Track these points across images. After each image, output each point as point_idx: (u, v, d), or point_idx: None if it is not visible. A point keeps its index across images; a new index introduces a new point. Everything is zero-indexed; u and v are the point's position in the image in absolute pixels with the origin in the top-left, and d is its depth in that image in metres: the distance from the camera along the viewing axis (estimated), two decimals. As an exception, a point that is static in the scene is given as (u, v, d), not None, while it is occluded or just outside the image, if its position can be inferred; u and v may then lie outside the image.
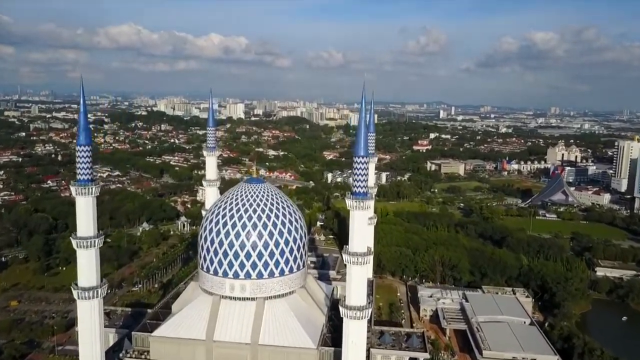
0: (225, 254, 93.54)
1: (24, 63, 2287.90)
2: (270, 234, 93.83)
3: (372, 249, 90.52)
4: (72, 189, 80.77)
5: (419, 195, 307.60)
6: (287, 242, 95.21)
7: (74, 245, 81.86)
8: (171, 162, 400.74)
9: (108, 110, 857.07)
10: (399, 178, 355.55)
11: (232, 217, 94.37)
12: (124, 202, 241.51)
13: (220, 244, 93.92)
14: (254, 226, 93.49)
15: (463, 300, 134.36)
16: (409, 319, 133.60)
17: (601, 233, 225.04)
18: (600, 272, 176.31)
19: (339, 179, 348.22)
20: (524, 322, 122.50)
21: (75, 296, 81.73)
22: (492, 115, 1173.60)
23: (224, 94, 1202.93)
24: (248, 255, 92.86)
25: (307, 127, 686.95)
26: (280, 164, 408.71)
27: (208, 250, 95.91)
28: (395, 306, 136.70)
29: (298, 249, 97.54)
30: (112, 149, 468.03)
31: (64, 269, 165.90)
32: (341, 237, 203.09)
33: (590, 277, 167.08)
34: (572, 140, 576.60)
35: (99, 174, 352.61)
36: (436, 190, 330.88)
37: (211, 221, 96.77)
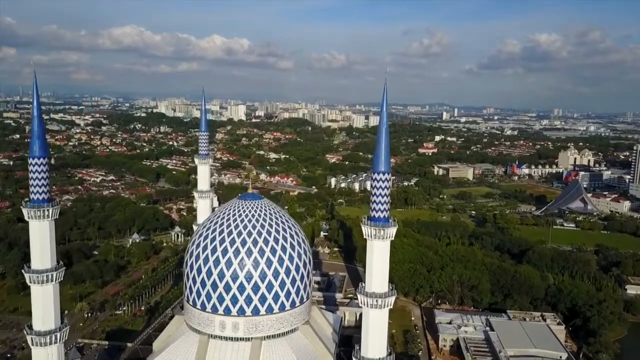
0: (215, 286, 78.41)
1: (26, 64, 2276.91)
2: (268, 262, 78.68)
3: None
4: (24, 211, 65.58)
5: (427, 202, 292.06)
6: (288, 272, 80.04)
7: (27, 281, 66.84)
8: (168, 166, 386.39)
9: (107, 111, 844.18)
10: (405, 183, 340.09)
11: (222, 241, 79.24)
12: (115, 210, 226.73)
13: (209, 273, 78.80)
14: (249, 252, 78.37)
15: (487, 328, 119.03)
16: (427, 349, 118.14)
17: (625, 244, 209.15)
18: (631, 290, 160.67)
19: (343, 184, 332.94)
20: (560, 358, 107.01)
21: (29, 342, 66.93)
22: (496, 117, 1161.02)
23: (225, 95, 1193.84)
24: (241, 288, 77.71)
25: (309, 129, 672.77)
26: (281, 167, 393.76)
27: (194, 281, 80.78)
28: (411, 334, 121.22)
29: (301, 279, 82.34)
30: (108, 151, 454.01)
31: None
32: (347, 250, 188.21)
33: (622, 297, 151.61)
34: (581, 143, 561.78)
35: (93, 179, 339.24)
36: (445, 196, 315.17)
37: (198, 245, 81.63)
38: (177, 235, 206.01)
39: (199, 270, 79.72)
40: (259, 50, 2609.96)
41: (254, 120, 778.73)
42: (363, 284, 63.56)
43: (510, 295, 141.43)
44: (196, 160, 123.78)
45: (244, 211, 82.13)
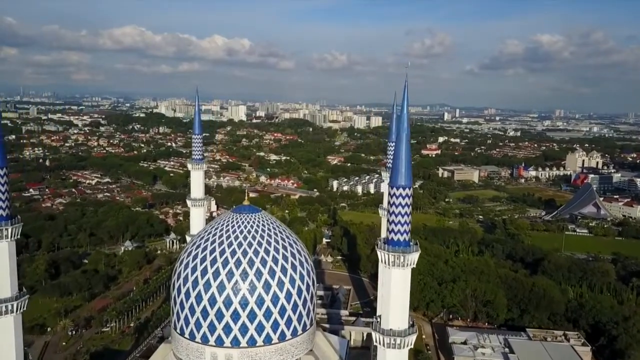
0: (205, 313, 68.52)
1: (28, 64, 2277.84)
2: (267, 286, 68.78)
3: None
4: (-22, 231, 55.73)
5: (433, 206, 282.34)
6: (289, 296, 70.12)
7: (-18, 312, 56.86)
8: (166, 168, 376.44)
9: (106, 112, 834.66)
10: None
11: (213, 261, 69.37)
12: (108, 215, 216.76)
13: (198, 298, 68.91)
14: (244, 275, 68.48)
15: (506, 349, 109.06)
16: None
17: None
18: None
19: (345, 187, 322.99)
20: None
21: (-15, 384, 57.06)
22: (497, 118, 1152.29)
23: (226, 95, 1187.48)
24: (235, 315, 67.81)
25: (310, 129, 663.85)
26: (282, 169, 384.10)
27: (182, 306, 70.90)
28: (422, 355, 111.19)
29: (304, 304, 72.41)
30: (105, 152, 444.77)
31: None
32: (351, 259, 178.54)
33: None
34: (587, 145, 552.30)
35: (88, 181, 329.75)
36: (451, 200, 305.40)
37: (186, 265, 71.75)
38: (172, 242, 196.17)
39: (187, 295, 69.86)
40: (260, 51, 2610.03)
41: (254, 120, 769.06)
42: (377, 319, 53.77)
43: (527, 311, 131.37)
44: (189, 166, 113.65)
45: (239, 227, 72.26)
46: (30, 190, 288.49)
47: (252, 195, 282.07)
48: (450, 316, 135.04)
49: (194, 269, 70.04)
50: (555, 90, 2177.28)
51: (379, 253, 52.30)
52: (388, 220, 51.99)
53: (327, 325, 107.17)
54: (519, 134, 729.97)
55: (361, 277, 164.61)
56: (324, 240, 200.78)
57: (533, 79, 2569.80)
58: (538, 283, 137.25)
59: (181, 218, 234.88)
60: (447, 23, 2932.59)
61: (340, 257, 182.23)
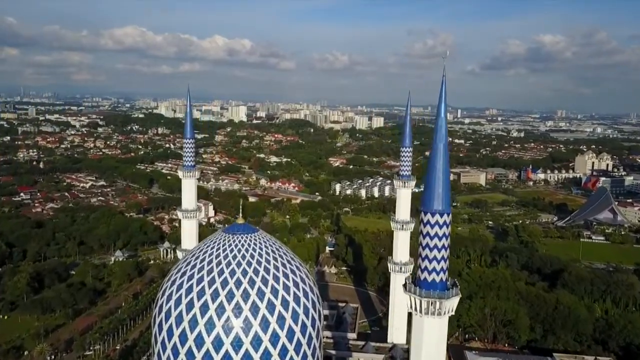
0: (190, 356, 56.80)
1: (28, 65, 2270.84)
2: (265, 323, 57.07)
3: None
4: None
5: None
6: (291, 334, 58.30)
7: None
8: (163, 170, 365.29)
9: (106, 112, 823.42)
10: (415, 190, 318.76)
11: (201, 293, 57.69)
12: (99, 222, 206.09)
13: (183, 338, 57.21)
14: (238, 309, 56.76)
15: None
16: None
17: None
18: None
19: (348, 191, 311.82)
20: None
21: None
22: (499, 119, 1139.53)
23: (227, 96, 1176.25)
24: (227, 359, 56.48)
25: (311, 130, 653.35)
26: (283, 172, 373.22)
27: (164, 345, 59.14)
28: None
29: (309, 342, 60.57)
30: (101, 154, 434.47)
31: (6, 317, 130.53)
32: (356, 270, 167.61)
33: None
34: (593, 146, 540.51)
35: (82, 184, 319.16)
36: (458, 204, 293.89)
37: (169, 297, 60.00)
38: (167, 251, 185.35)
39: (170, 332, 58.17)
40: (261, 51, 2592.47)
41: (255, 121, 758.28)
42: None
43: (551, 331, 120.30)
44: (180, 173, 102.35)
45: (231, 250, 60.60)
46: (22, 194, 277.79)
47: (251, 199, 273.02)
48: (467, 336, 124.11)
49: (178, 302, 58.38)
50: (556, 90, 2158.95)
51: (409, 299, 41.24)
52: (420, 255, 40.86)
53: (332, 352, 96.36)
54: (522, 134, 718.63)
55: (367, 290, 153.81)
56: (327, 249, 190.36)
57: (534, 79, 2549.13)
58: (562, 300, 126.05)
59: (177, 224, 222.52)
60: (448, 23, 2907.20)
61: (344, 268, 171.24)
